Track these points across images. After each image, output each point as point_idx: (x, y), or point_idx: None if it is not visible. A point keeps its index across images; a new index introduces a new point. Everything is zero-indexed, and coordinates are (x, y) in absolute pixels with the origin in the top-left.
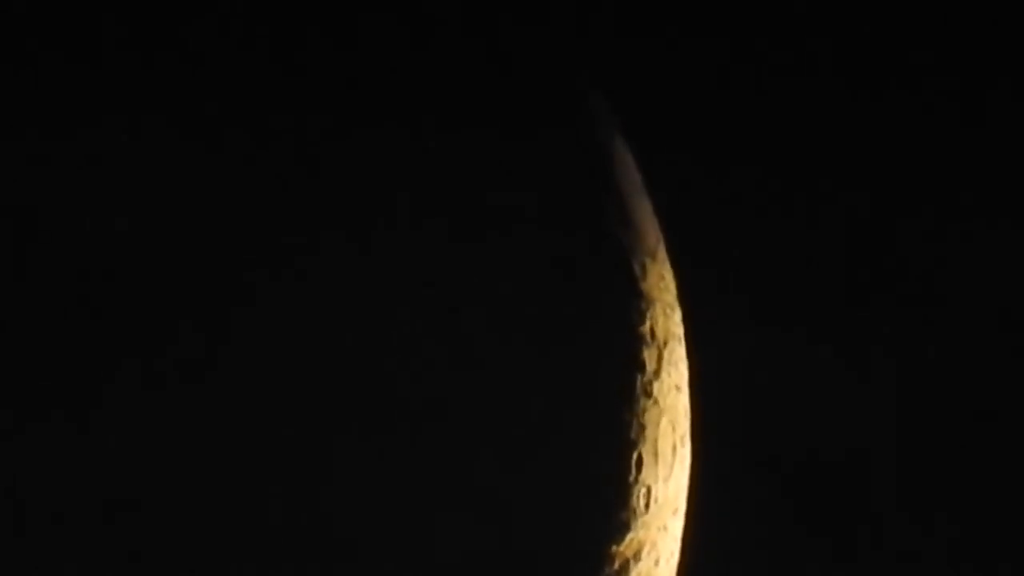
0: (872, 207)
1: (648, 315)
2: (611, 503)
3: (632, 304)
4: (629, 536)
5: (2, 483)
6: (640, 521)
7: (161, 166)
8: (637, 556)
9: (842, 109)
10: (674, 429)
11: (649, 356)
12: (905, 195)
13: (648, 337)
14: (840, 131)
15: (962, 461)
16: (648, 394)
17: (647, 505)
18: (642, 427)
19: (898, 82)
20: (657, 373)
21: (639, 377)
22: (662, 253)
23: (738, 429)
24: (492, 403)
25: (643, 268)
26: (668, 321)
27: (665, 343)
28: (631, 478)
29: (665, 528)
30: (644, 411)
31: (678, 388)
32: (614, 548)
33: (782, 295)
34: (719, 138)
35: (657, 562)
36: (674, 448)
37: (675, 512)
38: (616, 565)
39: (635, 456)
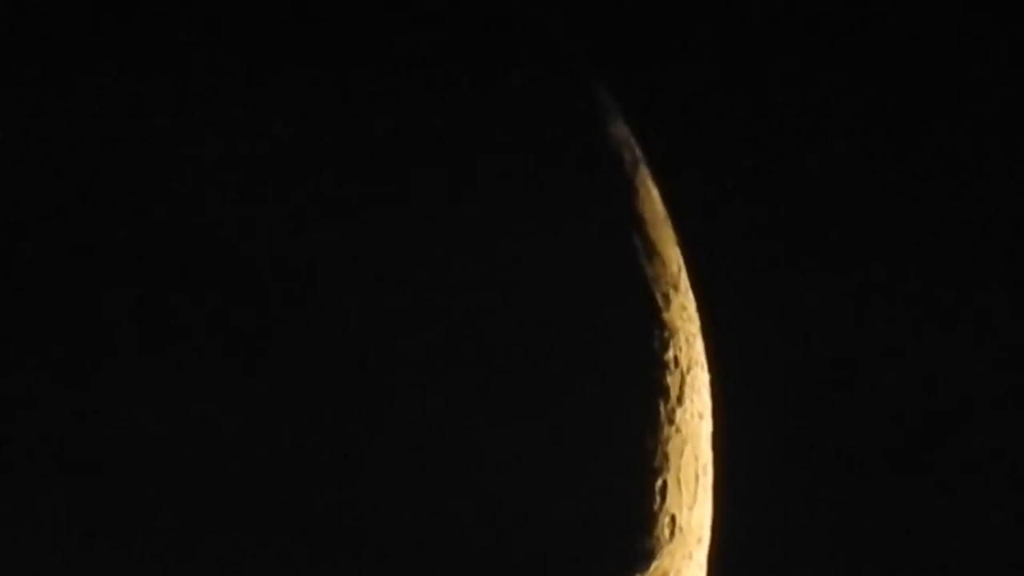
0: (891, 227)
1: (671, 343)
2: (635, 532)
3: (655, 333)
4: (654, 565)
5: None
6: (665, 550)
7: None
8: None
9: (867, 124)
10: (697, 457)
11: (672, 384)
12: (929, 216)
13: (671, 365)
14: (864, 147)
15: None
16: (671, 422)
17: (672, 534)
18: (666, 455)
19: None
20: (680, 401)
21: (662, 405)
22: (684, 282)
23: (762, 456)
24: (513, 431)
25: (666, 298)
26: (691, 349)
27: (688, 370)
28: (655, 507)
29: (690, 557)
30: (667, 439)
31: (701, 416)
32: None
33: (806, 319)
34: (741, 162)
35: None
36: (697, 476)
37: (700, 541)
38: None
39: (659, 484)
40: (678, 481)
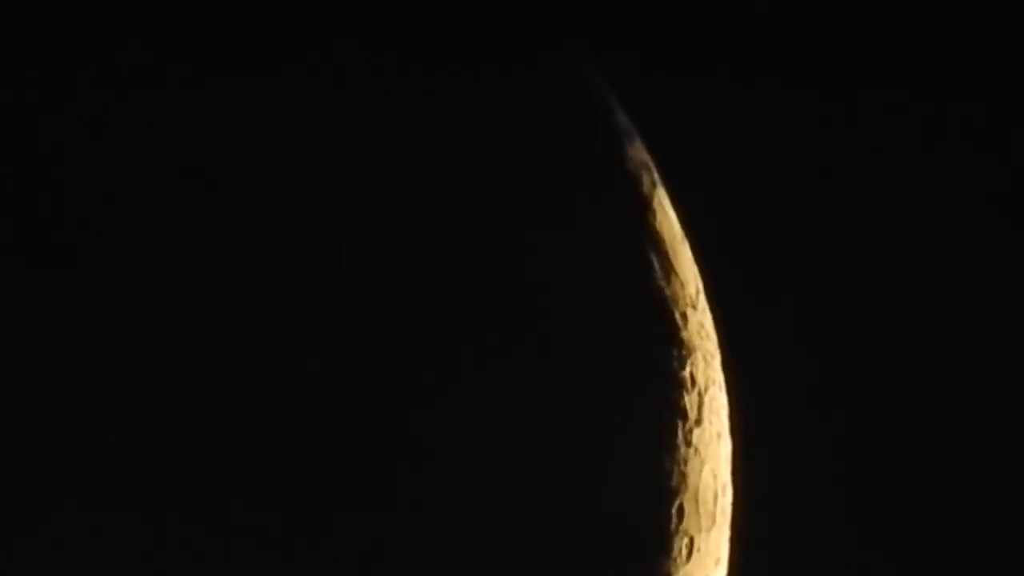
0: (907, 240)
1: (689, 362)
2: (653, 553)
3: (673, 353)
4: None
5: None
6: (682, 571)
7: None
8: None
9: (884, 138)
10: (715, 478)
11: (690, 404)
12: (948, 224)
13: (689, 385)
14: (881, 165)
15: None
16: (689, 443)
17: (689, 555)
18: (683, 476)
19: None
20: (698, 421)
21: (680, 425)
22: (702, 302)
23: (781, 476)
24: (532, 452)
25: (684, 317)
26: (709, 368)
27: (706, 389)
28: (672, 527)
29: None
30: (685, 460)
31: (719, 436)
32: None
33: (824, 337)
34: (759, 182)
35: None
36: (715, 497)
37: (717, 562)
38: None
39: (676, 505)
40: (696, 502)
